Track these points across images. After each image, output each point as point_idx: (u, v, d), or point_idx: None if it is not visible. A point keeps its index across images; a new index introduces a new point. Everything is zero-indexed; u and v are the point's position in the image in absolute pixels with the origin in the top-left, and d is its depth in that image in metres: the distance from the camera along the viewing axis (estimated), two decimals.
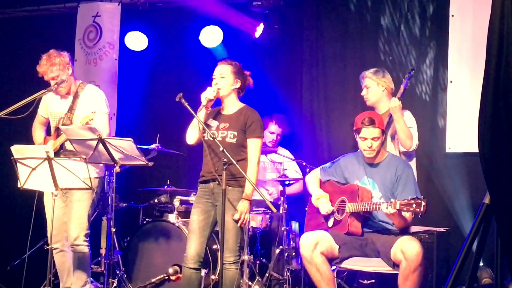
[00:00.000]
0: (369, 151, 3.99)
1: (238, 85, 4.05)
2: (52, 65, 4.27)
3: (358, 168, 4.11)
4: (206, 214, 3.98)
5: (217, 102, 4.12)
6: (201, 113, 3.96)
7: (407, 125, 4.35)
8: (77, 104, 4.38)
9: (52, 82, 4.32)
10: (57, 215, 4.32)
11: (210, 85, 4.04)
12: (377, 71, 4.62)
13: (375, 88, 4.56)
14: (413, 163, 4.50)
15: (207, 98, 3.93)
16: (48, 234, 4.31)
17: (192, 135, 4.03)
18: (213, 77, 4.05)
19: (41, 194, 4.22)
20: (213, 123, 4.03)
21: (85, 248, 4.32)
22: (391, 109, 4.38)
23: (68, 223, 4.33)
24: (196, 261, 3.95)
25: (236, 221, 3.88)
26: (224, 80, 4.01)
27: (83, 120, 4.04)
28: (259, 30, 5.75)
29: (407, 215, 3.79)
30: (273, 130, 5.55)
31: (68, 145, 4.20)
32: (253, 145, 3.97)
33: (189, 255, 3.96)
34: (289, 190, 5.29)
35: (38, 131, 4.54)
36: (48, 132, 4.58)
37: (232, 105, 4.07)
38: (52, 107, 4.47)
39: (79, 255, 4.32)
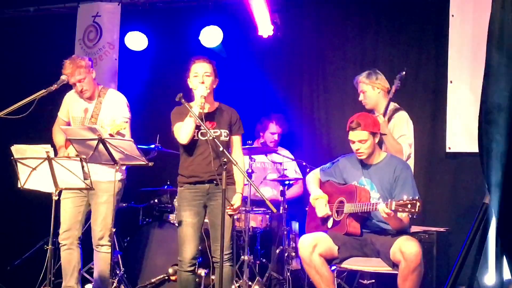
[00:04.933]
0: (358, 153, 3.99)
1: (216, 83, 4.03)
2: (80, 67, 4.33)
3: (356, 169, 4.11)
4: (198, 216, 3.96)
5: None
6: (196, 111, 3.80)
7: (396, 141, 4.31)
8: (100, 109, 4.42)
9: (79, 86, 4.35)
10: (72, 213, 4.38)
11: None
12: (370, 73, 4.58)
13: (371, 91, 4.55)
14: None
15: (202, 96, 3.84)
16: (59, 233, 4.34)
17: (187, 135, 3.87)
18: (195, 74, 3.93)
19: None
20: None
21: (108, 249, 4.35)
22: None
23: (93, 224, 4.41)
24: (193, 264, 3.95)
25: (230, 215, 3.89)
26: (210, 78, 3.95)
27: (115, 128, 4.08)
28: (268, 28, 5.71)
29: (403, 215, 3.78)
30: (274, 130, 5.54)
31: None
32: (239, 142, 4.07)
33: (187, 259, 3.92)
34: (288, 194, 5.26)
35: (58, 135, 4.51)
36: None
37: (210, 104, 4.02)
38: (74, 111, 4.49)
39: (102, 258, 4.36)
